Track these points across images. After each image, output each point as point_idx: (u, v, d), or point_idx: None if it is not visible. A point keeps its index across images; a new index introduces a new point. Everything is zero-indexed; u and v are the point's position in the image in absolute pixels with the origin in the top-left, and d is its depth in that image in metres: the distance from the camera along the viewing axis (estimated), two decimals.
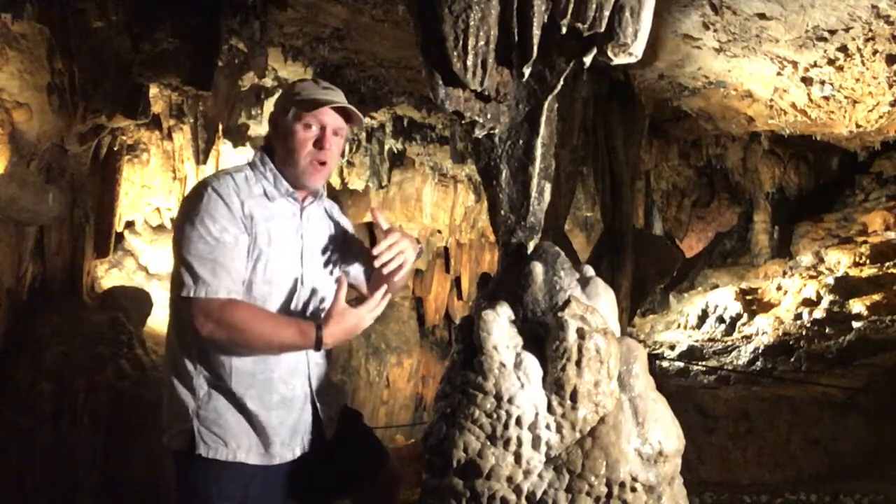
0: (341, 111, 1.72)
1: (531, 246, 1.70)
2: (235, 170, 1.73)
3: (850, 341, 7.68)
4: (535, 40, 1.54)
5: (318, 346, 1.60)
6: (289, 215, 1.72)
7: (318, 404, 1.73)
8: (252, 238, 1.63)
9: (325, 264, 1.78)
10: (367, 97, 8.14)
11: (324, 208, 1.85)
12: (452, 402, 1.50)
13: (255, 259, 1.64)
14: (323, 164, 1.71)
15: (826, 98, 6.16)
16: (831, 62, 5.45)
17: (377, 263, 1.69)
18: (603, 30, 1.52)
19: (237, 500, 1.62)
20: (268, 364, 1.64)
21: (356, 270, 1.89)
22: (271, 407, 1.65)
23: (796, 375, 7.37)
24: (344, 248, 1.85)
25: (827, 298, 9.12)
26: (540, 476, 1.43)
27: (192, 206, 1.62)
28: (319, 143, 1.69)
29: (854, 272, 9.59)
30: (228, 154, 9.51)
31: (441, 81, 1.57)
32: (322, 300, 1.74)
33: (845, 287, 9.15)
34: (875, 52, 5.18)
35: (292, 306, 1.68)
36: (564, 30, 1.54)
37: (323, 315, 1.65)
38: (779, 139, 9.00)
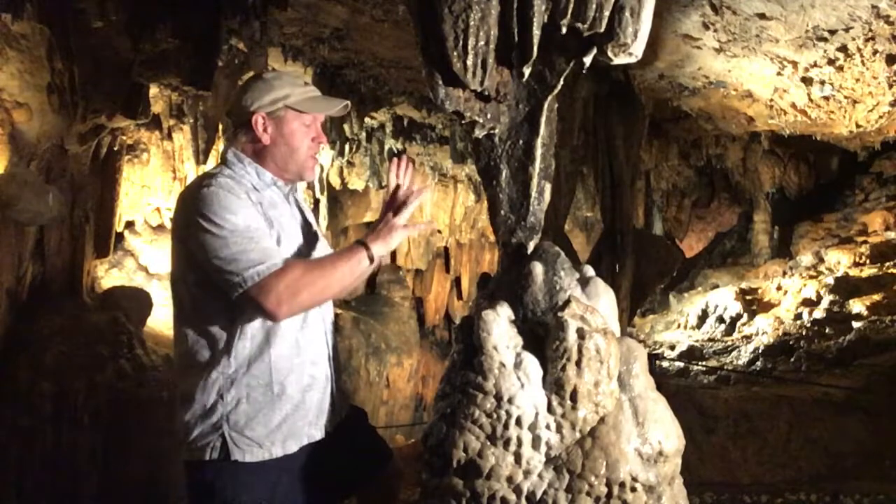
0: None
1: (531, 246, 1.70)
2: (216, 169, 1.74)
3: (850, 341, 7.68)
4: (535, 40, 1.54)
5: (370, 256, 1.66)
6: (281, 202, 1.76)
7: (334, 387, 1.79)
8: (268, 223, 1.66)
9: (317, 240, 1.84)
10: (367, 97, 8.15)
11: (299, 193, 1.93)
12: (452, 402, 1.50)
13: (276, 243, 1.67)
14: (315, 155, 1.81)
15: (826, 98, 6.16)
16: (831, 62, 5.45)
17: (396, 179, 1.78)
18: (603, 30, 1.52)
19: (266, 500, 1.64)
20: (300, 348, 1.68)
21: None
22: (305, 389, 1.69)
23: (796, 375, 7.37)
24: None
25: (827, 298, 9.12)
26: (540, 476, 1.43)
27: (199, 207, 1.59)
28: (316, 138, 1.78)
29: (854, 272, 9.59)
30: None
31: (441, 81, 1.57)
32: None
33: (845, 287, 9.15)
34: (875, 52, 5.18)
35: None
36: (564, 30, 1.54)
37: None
38: (779, 139, 9.00)
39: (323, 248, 1.83)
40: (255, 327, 1.63)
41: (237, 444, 1.60)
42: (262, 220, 1.64)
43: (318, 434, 1.72)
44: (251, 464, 1.61)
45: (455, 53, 1.52)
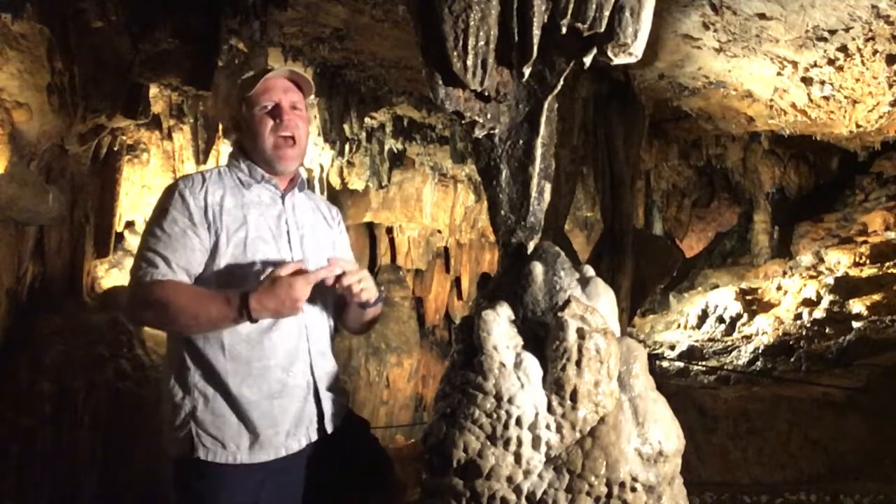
0: (295, 88, 1.75)
1: (531, 246, 1.70)
2: (210, 168, 1.76)
3: (850, 341, 7.68)
4: (535, 40, 1.53)
5: (247, 314, 1.51)
6: (268, 201, 1.74)
7: (320, 396, 1.72)
8: (218, 225, 1.64)
9: (321, 252, 1.78)
10: (367, 97, 8.15)
11: (314, 204, 1.88)
12: (452, 402, 1.50)
13: (229, 243, 1.64)
14: (289, 139, 1.71)
15: (826, 98, 6.16)
16: (831, 62, 5.45)
17: (346, 281, 1.65)
18: (603, 30, 1.52)
19: None
20: (263, 352, 1.63)
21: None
22: (273, 395, 1.63)
23: (796, 375, 7.37)
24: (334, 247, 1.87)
25: (827, 298, 9.13)
26: (540, 476, 1.43)
27: (156, 204, 1.68)
28: (278, 118, 1.71)
29: (854, 272, 9.59)
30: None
31: (441, 81, 1.57)
32: (320, 288, 1.71)
33: (845, 287, 9.16)
34: (875, 52, 5.18)
35: None
36: (564, 30, 1.54)
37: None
38: (779, 139, 9.00)
39: (317, 265, 1.70)
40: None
41: (202, 443, 1.58)
42: (196, 227, 1.61)
43: (295, 445, 1.66)
44: (224, 465, 1.58)
45: (455, 53, 1.52)
